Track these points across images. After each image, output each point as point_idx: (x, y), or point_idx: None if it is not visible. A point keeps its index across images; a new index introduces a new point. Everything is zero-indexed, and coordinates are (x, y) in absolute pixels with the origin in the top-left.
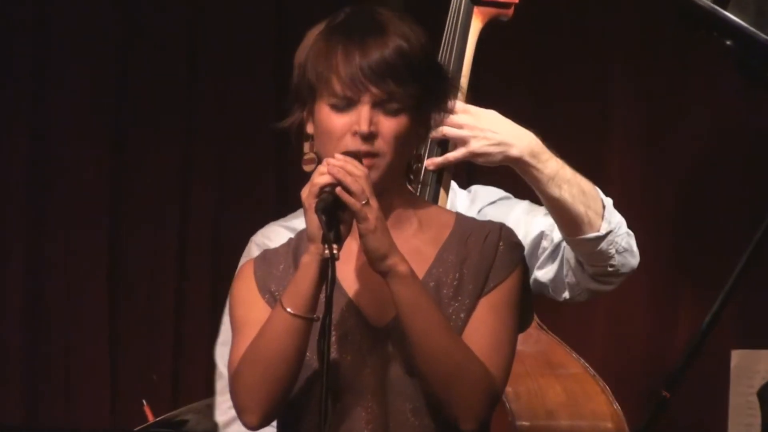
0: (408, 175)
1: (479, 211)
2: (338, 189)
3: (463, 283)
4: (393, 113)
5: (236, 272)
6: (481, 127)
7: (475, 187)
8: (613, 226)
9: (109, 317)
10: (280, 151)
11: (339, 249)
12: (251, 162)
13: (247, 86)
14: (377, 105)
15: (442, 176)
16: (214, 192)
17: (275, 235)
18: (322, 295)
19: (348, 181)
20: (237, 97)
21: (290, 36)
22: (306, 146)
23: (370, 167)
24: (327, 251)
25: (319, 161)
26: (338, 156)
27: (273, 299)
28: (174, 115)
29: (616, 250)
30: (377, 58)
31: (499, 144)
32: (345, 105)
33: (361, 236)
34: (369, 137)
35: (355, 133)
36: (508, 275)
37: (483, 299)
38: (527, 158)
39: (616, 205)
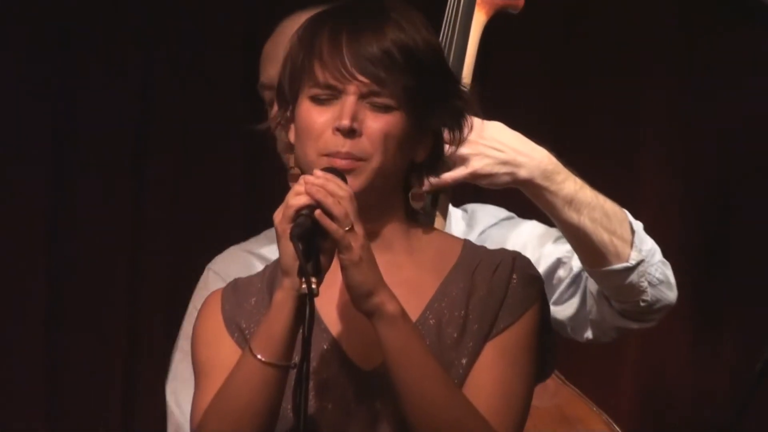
0: (407, 198)
1: (479, 236)
2: (317, 212)
3: (467, 323)
4: (383, 109)
5: (201, 305)
6: (484, 143)
7: (471, 207)
8: (644, 255)
9: (47, 362)
10: (249, 162)
11: (318, 283)
12: (215, 176)
13: (210, 88)
14: (364, 98)
15: (438, 200)
16: (170, 212)
17: (236, 261)
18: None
19: (329, 202)
20: (198, 99)
21: (261, 35)
22: (290, 159)
23: (351, 171)
24: (304, 286)
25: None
26: (318, 173)
27: (243, 338)
28: (125, 116)
29: (649, 283)
30: (368, 41)
31: (505, 163)
32: (327, 97)
33: (343, 269)
34: (350, 133)
35: (336, 130)
36: (521, 314)
37: (491, 342)
38: (539, 180)
39: (650, 230)
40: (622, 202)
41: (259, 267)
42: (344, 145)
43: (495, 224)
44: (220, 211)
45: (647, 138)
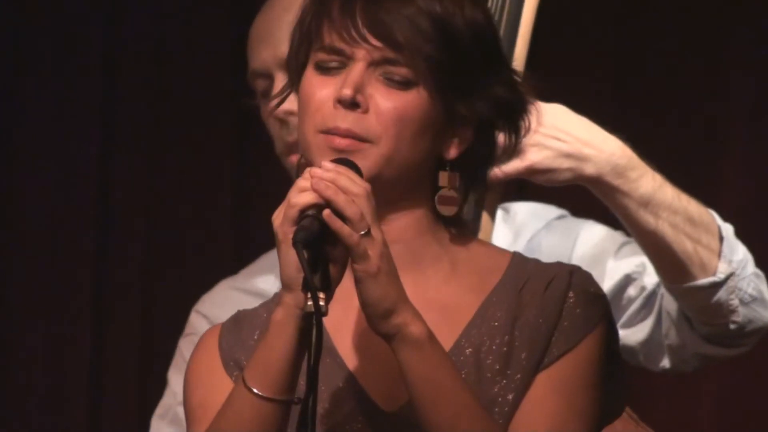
0: (433, 198)
1: (528, 243)
2: (326, 212)
3: (513, 351)
4: (400, 85)
5: (198, 341)
6: (543, 131)
7: (513, 208)
8: (735, 267)
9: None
10: (238, 160)
11: (327, 299)
12: (195, 183)
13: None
14: (377, 66)
15: (484, 197)
16: (141, 233)
17: (227, 302)
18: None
19: (340, 201)
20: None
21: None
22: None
23: (352, 152)
24: (310, 302)
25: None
26: (327, 165)
27: None
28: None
29: (741, 300)
30: (390, 4)
31: (568, 156)
32: (335, 64)
33: (358, 282)
34: (352, 106)
35: (336, 102)
36: (580, 340)
37: (542, 374)
38: (609, 177)
39: (739, 233)
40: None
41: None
42: (345, 119)
43: (544, 228)
44: (202, 226)
45: (731, 138)
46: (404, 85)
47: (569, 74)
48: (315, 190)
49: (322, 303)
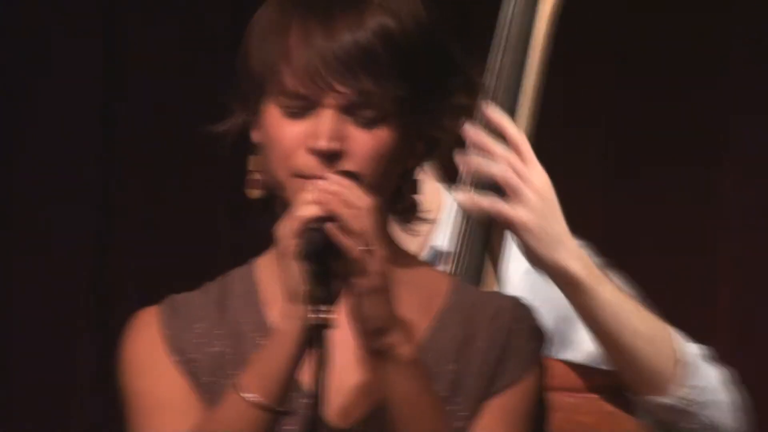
0: (397, 212)
1: (527, 271)
2: (330, 226)
3: (461, 379)
4: (368, 124)
5: (132, 325)
6: (546, 202)
7: None
8: (688, 392)
9: None
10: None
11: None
12: (193, 200)
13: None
14: (346, 111)
15: (491, 230)
16: (143, 229)
17: None
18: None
19: (345, 215)
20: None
21: None
22: (251, 161)
23: None
24: (315, 315)
25: (269, 185)
26: (332, 177)
27: (191, 372)
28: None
29: (688, 426)
30: (347, 41)
31: (549, 235)
32: (301, 108)
33: (355, 297)
34: (331, 157)
35: (311, 150)
36: (525, 371)
37: (488, 403)
38: (577, 271)
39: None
40: (701, 233)
41: None
42: (322, 170)
43: None
44: (202, 228)
45: (731, 138)
46: (374, 122)
47: (569, 74)
48: (319, 203)
49: (325, 316)
